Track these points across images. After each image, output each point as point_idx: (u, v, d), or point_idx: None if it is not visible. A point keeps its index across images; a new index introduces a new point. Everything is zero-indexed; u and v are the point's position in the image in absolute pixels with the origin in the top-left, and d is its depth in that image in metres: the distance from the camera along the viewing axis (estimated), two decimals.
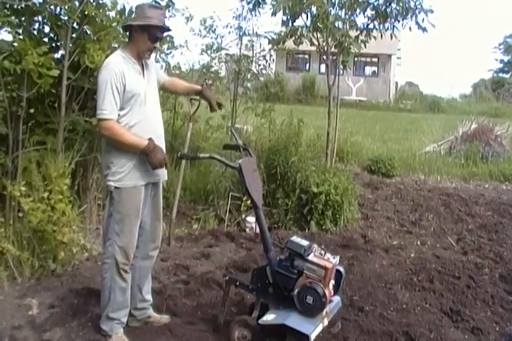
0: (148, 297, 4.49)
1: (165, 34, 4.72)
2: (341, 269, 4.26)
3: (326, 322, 4.06)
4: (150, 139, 3.95)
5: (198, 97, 5.09)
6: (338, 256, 4.17)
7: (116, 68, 3.93)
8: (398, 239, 7.39)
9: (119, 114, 3.96)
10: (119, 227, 4.05)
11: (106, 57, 5.48)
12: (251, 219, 7.24)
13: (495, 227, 8.12)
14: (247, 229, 7.32)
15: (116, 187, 4.03)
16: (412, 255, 6.64)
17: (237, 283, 4.35)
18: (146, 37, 4.03)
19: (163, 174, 4.30)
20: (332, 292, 4.06)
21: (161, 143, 4.16)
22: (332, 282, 4.06)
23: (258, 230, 4.63)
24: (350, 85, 33.07)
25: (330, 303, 4.08)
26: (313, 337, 3.81)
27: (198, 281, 5.35)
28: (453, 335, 4.53)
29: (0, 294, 4.80)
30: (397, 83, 42.61)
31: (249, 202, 6.74)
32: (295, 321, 3.86)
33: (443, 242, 7.34)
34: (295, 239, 4.13)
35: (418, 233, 7.71)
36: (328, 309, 4.05)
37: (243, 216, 7.45)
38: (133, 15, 4.24)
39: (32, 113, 5.65)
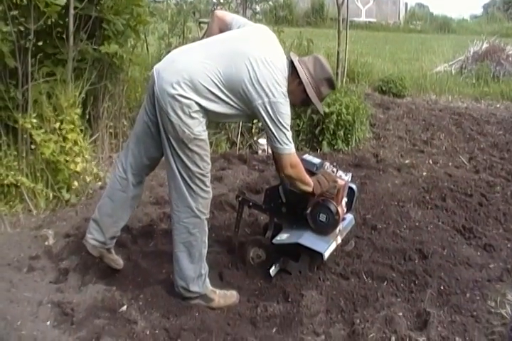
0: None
1: None
2: (354, 186, 4.25)
3: (339, 240, 4.08)
4: None
5: (206, 20, 4.82)
6: (350, 174, 4.15)
7: None
8: (410, 158, 7.37)
9: None
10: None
11: None
12: (263, 141, 7.20)
13: (506, 146, 8.12)
14: (259, 151, 7.29)
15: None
16: (424, 174, 6.65)
17: (250, 204, 4.32)
18: (302, 96, 3.65)
19: None
20: (345, 209, 4.05)
21: None
22: (345, 199, 4.05)
23: (270, 151, 4.58)
24: (360, 7, 32.40)
25: (343, 221, 4.09)
26: (327, 255, 3.84)
27: (211, 204, 5.33)
28: (465, 252, 4.57)
29: (16, 226, 4.81)
30: (406, 4, 41.54)
31: (260, 124, 6.70)
32: (309, 240, 3.86)
33: (455, 161, 7.34)
34: (307, 156, 4.09)
35: (430, 152, 7.69)
36: (341, 227, 4.06)
37: (255, 138, 7.41)
38: (311, 62, 3.69)
39: (40, 45, 5.52)
